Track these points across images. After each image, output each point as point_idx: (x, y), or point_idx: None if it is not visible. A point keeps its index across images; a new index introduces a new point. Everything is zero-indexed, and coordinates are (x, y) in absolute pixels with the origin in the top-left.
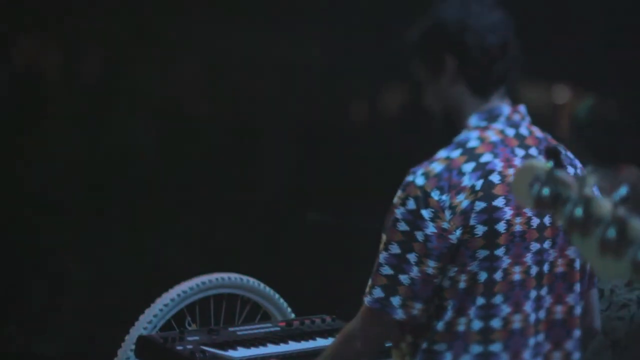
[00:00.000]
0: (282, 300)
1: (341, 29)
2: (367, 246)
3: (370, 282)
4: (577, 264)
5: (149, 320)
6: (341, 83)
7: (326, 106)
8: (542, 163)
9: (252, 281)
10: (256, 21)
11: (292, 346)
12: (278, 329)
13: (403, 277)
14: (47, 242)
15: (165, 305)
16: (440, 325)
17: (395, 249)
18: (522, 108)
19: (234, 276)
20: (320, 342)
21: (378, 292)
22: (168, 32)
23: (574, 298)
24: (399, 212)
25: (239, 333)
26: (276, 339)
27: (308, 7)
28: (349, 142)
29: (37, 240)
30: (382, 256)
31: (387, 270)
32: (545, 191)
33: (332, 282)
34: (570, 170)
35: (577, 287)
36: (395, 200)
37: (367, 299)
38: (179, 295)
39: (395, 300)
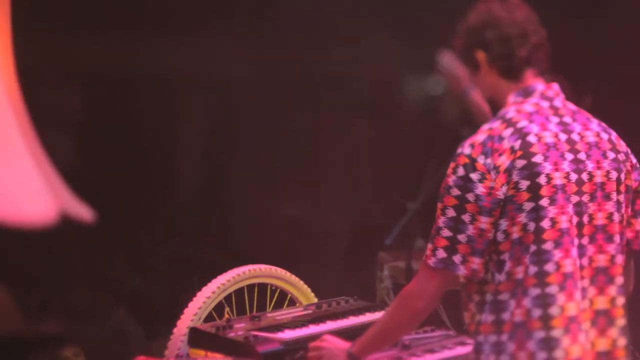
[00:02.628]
0: (306, 286)
1: None
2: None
3: (430, 246)
4: (616, 217)
5: (194, 312)
6: None
7: None
8: None
9: (280, 270)
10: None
11: (332, 325)
12: (311, 311)
13: (461, 237)
14: None
15: (208, 297)
16: (502, 277)
17: (451, 212)
18: (555, 85)
19: (264, 267)
20: (354, 320)
21: (440, 253)
22: None
23: (614, 248)
24: (451, 180)
25: (278, 317)
26: (315, 319)
27: None
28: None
29: None
30: (441, 220)
31: (446, 233)
32: None
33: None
34: (604, 135)
35: (617, 238)
36: (448, 171)
37: (431, 261)
38: (218, 287)
39: (457, 258)
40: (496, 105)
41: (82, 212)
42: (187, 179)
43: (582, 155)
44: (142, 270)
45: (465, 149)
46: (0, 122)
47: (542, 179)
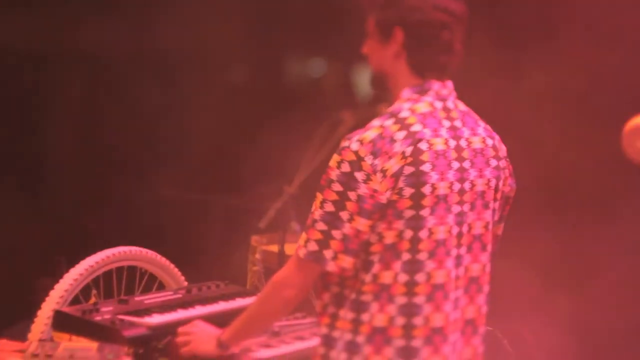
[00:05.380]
0: (177, 269)
1: None
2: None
3: (304, 236)
4: (490, 226)
5: (61, 294)
6: None
7: None
8: None
9: (150, 253)
10: None
11: (201, 310)
12: (180, 295)
13: (335, 233)
14: None
15: (75, 279)
16: (367, 278)
17: (329, 207)
18: (449, 84)
19: (134, 249)
20: (225, 305)
21: (312, 246)
22: None
23: (486, 257)
24: (334, 174)
25: (146, 301)
26: (184, 304)
27: None
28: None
29: None
30: (317, 213)
31: (321, 226)
32: None
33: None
34: (489, 141)
35: (489, 247)
36: (331, 163)
37: (301, 252)
38: (87, 269)
39: (328, 254)
40: (379, 76)
41: None
42: (59, 162)
43: (466, 164)
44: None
45: (353, 144)
46: None
47: (426, 189)
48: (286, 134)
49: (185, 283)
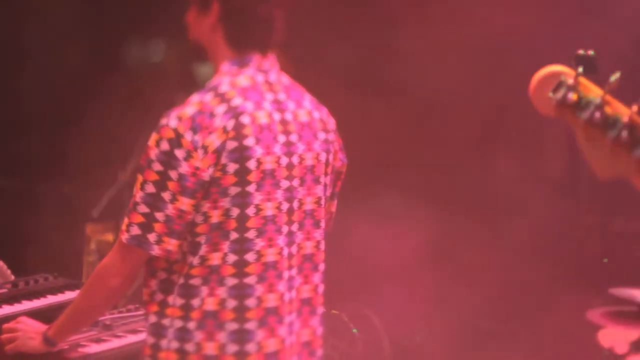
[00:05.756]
0: (1, 262)
1: None
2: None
3: (126, 220)
4: (322, 202)
5: None
6: None
7: None
8: (568, 69)
9: None
10: None
11: (28, 305)
12: (6, 290)
13: (159, 215)
14: None
15: None
16: (195, 261)
17: (150, 188)
18: (271, 57)
19: None
20: (53, 299)
21: (135, 230)
22: None
23: (320, 233)
24: (153, 153)
25: None
26: (9, 299)
27: None
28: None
29: None
30: (139, 195)
31: (143, 209)
32: (572, 95)
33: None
34: (316, 114)
35: (322, 223)
36: (150, 142)
37: (124, 237)
38: None
39: (152, 237)
40: (200, 49)
41: None
42: None
43: (293, 137)
44: None
45: (172, 121)
46: None
47: (251, 164)
48: (120, 118)
49: (12, 277)
